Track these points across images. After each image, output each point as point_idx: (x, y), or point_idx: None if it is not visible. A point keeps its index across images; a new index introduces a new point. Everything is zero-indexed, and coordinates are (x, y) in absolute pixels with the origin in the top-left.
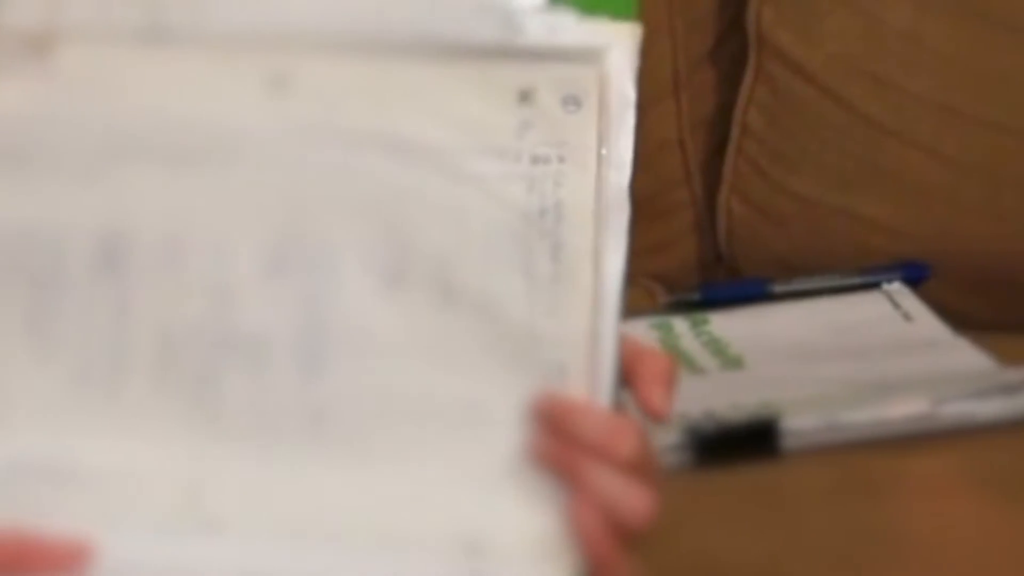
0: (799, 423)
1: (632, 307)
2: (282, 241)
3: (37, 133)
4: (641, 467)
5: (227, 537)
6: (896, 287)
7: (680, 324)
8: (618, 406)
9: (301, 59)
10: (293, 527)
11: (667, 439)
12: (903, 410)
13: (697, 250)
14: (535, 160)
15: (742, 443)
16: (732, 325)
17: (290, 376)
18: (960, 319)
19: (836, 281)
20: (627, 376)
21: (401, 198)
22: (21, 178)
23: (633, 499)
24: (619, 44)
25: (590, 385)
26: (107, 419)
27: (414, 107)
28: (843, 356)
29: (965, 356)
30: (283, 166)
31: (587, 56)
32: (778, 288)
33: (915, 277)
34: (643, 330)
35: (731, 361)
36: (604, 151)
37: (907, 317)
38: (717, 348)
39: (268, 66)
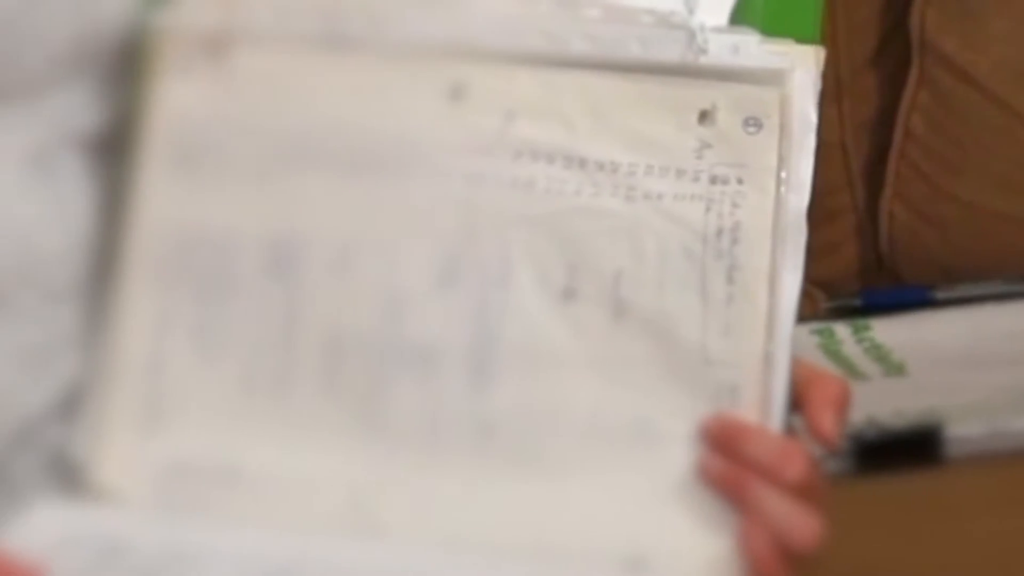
0: (963, 430)
1: None
2: (455, 251)
3: (211, 135)
4: (809, 491)
5: (389, 543)
6: None
7: (842, 330)
8: (788, 429)
9: (480, 70)
10: (456, 536)
11: None
12: None
13: (858, 255)
14: (714, 180)
15: (905, 450)
16: (894, 331)
17: (459, 387)
18: None
19: (999, 288)
20: (799, 400)
21: (576, 213)
22: (194, 180)
23: (801, 523)
24: (802, 66)
25: (762, 407)
26: (274, 423)
27: (592, 122)
28: (1008, 363)
29: None
30: (458, 176)
31: (770, 77)
32: (941, 295)
33: None
34: (804, 336)
35: (893, 367)
36: (784, 173)
37: None
38: (879, 354)
39: (446, 76)
